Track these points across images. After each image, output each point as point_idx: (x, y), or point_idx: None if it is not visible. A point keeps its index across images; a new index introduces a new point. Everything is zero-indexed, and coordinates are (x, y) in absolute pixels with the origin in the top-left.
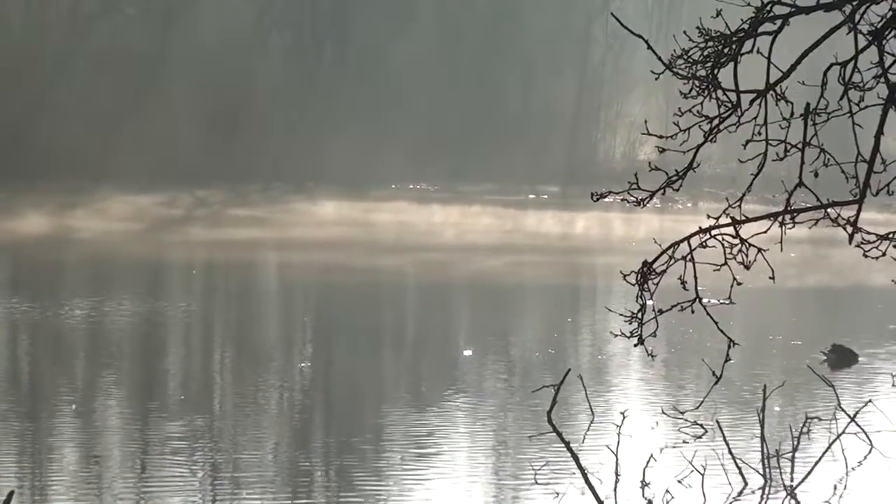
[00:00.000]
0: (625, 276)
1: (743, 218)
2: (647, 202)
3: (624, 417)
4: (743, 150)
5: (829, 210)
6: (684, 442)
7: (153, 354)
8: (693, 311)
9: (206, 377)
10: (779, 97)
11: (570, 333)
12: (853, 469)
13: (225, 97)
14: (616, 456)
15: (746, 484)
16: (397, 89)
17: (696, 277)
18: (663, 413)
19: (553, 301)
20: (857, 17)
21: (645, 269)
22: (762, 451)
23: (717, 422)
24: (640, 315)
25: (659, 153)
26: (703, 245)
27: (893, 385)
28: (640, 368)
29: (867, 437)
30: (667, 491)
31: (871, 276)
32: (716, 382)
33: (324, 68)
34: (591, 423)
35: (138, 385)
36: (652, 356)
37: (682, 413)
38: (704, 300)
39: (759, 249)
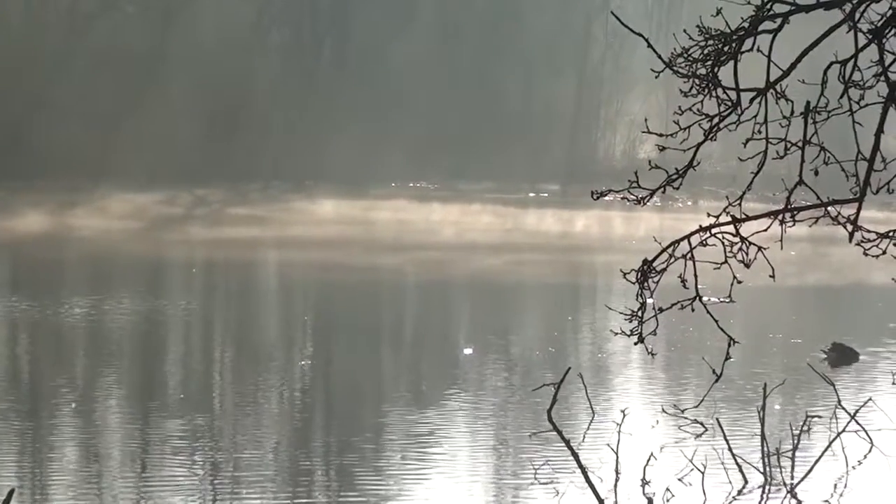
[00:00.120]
0: (625, 274)
1: (743, 216)
2: (648, 200)
3: (624, 416)
4: (743, 149)
5: (829, 208)
6: (685, 440)
7: (153, 353)
8: (693, 310)
9: (206, 376)
10: (779, 95)
11: (570, 332)
12: (853, 467)
13: (224, 96)
14: (616, 454)
15: (747, 482)
16: (397, 88)
17: (696, 276)
18: (663, 411)
19: (553, 299)
20: (857, 15)
21: (645, 267)
22: (762, 450)
23: (718, 420)
24: (640, 313)
25: (659, 151)
26: (703, 243)
27: (894, 383)
28: (640, 367)
29: (867, 435)
30: (667, 489)
31: (871, 275)
32: (716, 381)
33: (323, 67)
34: (592, 421)
35: (138, 384)
36: (652, 354)
37: (683, 411)
38: (704, 298)
39: (760, 248)
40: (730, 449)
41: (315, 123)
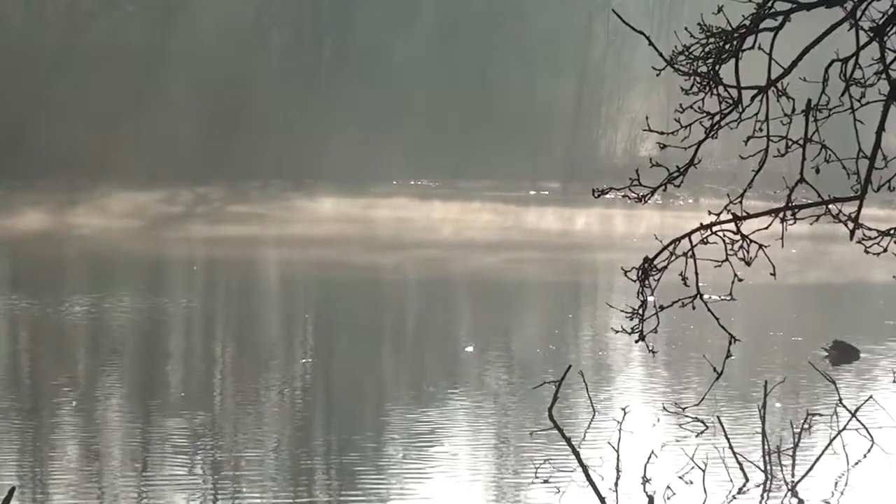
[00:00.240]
0: (626, 272)
1: (744, 214)
2: (649, 198)
3: (625, 414)
4: (744, 147)
5: (830, 206)
6: (685, 438)
7: (154, 351)
8: (694, 308)
9: (206, 374)
10: (780, 93)
11: (570, 330)
12: (854, 465)
13: (224, 94)
14: (617, 452)
15: (747, 480)
16: (398, 86)
17: (696, 274)
18: (664, 409)
19: (553, 297)
20: (859, 13)
21: (646, 265)
22: (763, 448)
23: (718, 418)
24: (641, 311)
25: (660, 149)
26: (704, 241)
27: (894, 381)
28: (641, 365)
29: (868, 433)
30: (668, 487)
31: (872, 273)
32: (717, 378)
33: (324, 66)
34: (592, 419)
35: (139, 382)
36: (653, 352)
37: (683, 409)
38: (705, 296)
39: (760, 246)
40: (731, 447)
41: (315, 122)
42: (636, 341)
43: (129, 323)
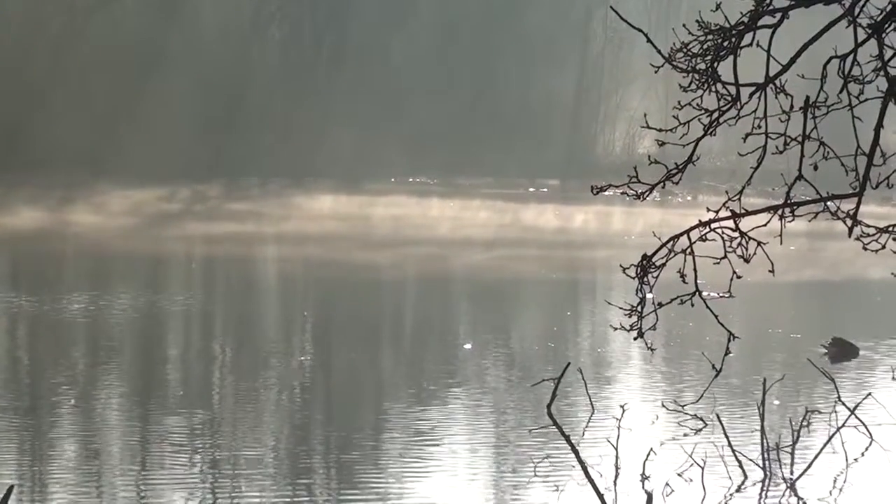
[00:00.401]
0: (624, 269)
1: (742, 211)
2: (647, 195)
3: (624, 411)
4: (742, 144)
5: (828, 203)
6: (684, 435)
7: (152, 349)
8: (693, 305)
9: (205, 372)
10: (778, 90)
11: (569, 327)
12: (853, 462)
13: (223, 91)
14: (616, 449)
15: (746, 477)
16: (396, 83)
17: (695, 271)
18: (663, 406)
19: (552, 295)
20: (857, 10)
21: (644, 262)
22: (762, 445)
23: (717, 415)
24: (639, 308)
25: (658, 146)
26: (702, 238)
27: (893, 378)
28: (639, 362)
29: (867, 430)
30: (667, 484)
31: (870, 270)
32: (716, 376)
33: (323, 62)
34: (591, 416)
35: (137, 380)
36: (652, 349)
37: (682, 406)
38: (704, 293)
39: (759, 243)
40: (729, 444)
41: (314, 119)
42: (635, 338)
43: (127, 320)
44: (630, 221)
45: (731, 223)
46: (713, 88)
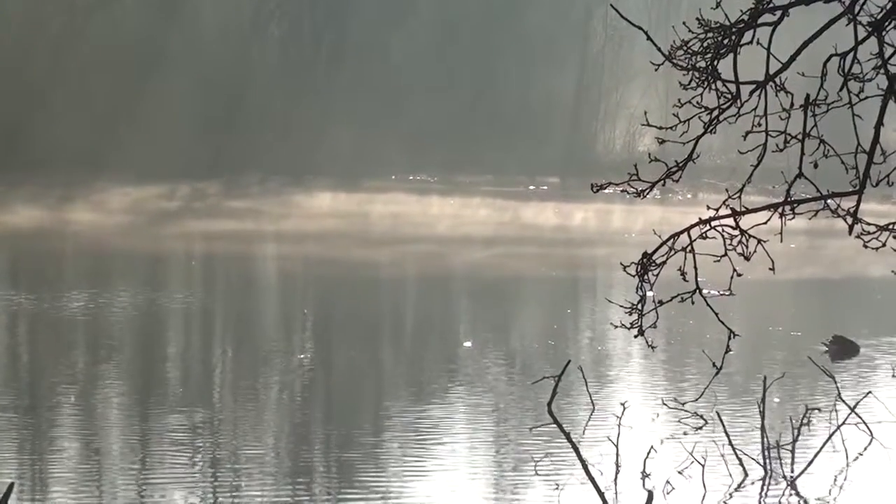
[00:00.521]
0: (625, 267)
1: (743, 209)
2: (647, 193)
3: (624, 409)
4: (743, 141)
5: (829, 201)
6: (685, 433)
7: (152, 347)
8: (693, 303)
9: (205, 369)
10: (778, 88)
11: (569, 325)
12: (853, 460)
13: (223, 89)
14: (616, 447)
15: (747, 475)
16: (396, 81)
17: (696, 268)
18: (664, 404)
19: (552, 293)
20: (857, 7)
21: (645, 260)
22: (762, 443)
23: (718, 413)
24: (640, 306)
25: (659, 144)
26: (703, 236)
27: (894, 376)
28: (640, 360)
29: (867, 427)
30: (667, 482)
31: (871, 267)
32: (716, 374)
33: (322, 60)
34: (592, 414)
35: (138, 377)
36: (652, 347)
37: (683, 404)
38: (704, 291)
39: (759, 240)
40: (730, 442)
41: (314, 117)
42: (635, 336)
43: (126, 318)
44: (630, 219)
45: (731, 221)
46: (713, 86)
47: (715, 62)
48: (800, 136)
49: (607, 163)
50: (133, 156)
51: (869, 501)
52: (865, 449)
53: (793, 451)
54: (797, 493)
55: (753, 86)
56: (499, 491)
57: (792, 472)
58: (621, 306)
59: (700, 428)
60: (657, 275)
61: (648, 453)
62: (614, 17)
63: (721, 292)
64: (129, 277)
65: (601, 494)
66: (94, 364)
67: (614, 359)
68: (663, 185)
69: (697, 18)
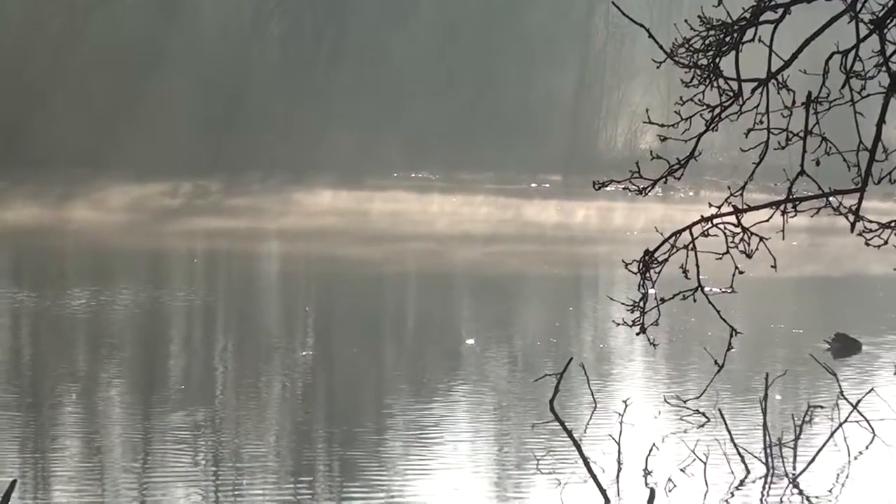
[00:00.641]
0: (626, 264)
1: (745, 206)
2: (649, 191)
3: (626, 406)
4: (745, 139)
5: (830, 199)
6: (687, 431)
7: (154, 344)
8: (695, 300)
9: (207, 367)
10: (780, 86)
11: (571, 322)
12: (855, 457)
13: (224, 87)
14: (618, 444)
15: (749, 472)
16: (398, 78)
17: (697, 266)
18: (665, 402)
19: (554, 290)
20: (859, 5)
21: (647, 257)
22: (764, 440)
23: (720, 410)
24: (641, 304)
25: (660, 142)
26: (704, 234)
27: (895, 373)
28: (642, 357)
29: (869, 425)
30: (669, 479)
31: (873, 265)
32: (718, 371)
33: (323, 57)
34: (594, 411)
35: (140, 375)
36: (654, 345)
37: (685, 402)
38: (706, 289)
39: (761, 238)
40: (732, 439)
41: (315, 114)
42: (637, 334)
43: (128, 316)
44: (632, 217)
45: (733, 219)
46: (715, 84)
47: (717, 60)
48: (801, 134)
49: (609, 160)
50: (134, 154)
51: (871, 498)
52: (867, 446)
53: (795, 449)
54: (799, 491)
55: (755, 83)
56: (501, 488)
57: (794, 469)
58: (623, 304)
59: (702, 425)
60: (659, 272)
61: (650, 451)
62: (616, 14)
63: (723, 290)
64: (131, 275)
65: (603, 492)
66: (96, 362)
67: (616, 356)
68: (665, 182)
69: (699, 16)
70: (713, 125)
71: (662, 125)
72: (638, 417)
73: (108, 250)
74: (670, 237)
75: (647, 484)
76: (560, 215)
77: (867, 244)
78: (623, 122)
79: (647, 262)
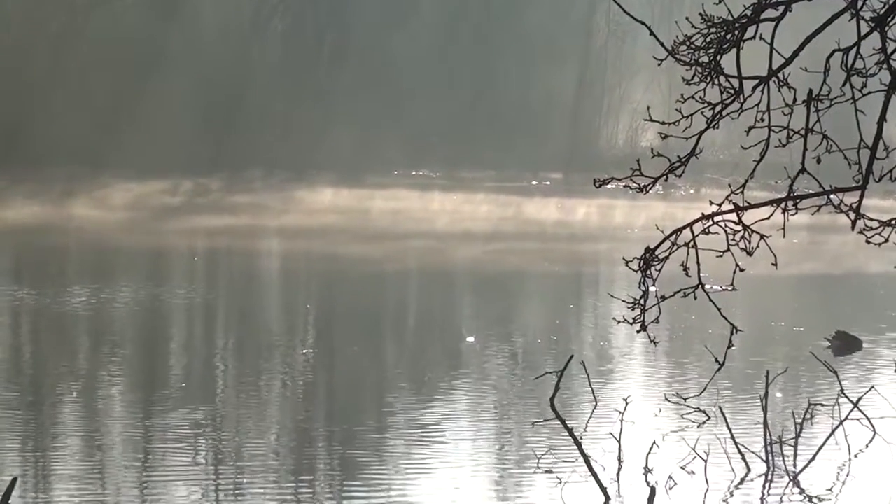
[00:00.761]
0: (627, 262)
1: (745, 204)
2: (650, 188)
3: (626, 404)
4: (745, 137)
5: (831, 196)
6: (687, 428)
7: (155, 342)
8: (696, 298)
9: (208, 365)
10: (781, 83)
11: (572, 320)
12: (856, 455)
13: (225, 85)
14: (619, 442)
15: (749, 470)
16: (399, 76)
17: (698, 264)
18: (666, 399)
19: (555, 288)
20: (860, 3)
21: (647, 255)
22: (765, 438)
23: (720, 408)
24: (642, 301)
25: (661, 139)
26: (705, 231)
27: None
28: (642, 355)
29: (870, 423)
30: (669, 477)
31: (873, 263)
32: (718, 369)
33: (325, 55)
34: (594, 409)
35: (140, 373)
36: (654, 342)
37: (685, 399)
38: (707, 286)
39: (762, 236)
40: (732, 437)
41: (317, 112)
42: (638, 331)
43: (129, 314)
44: (633, 214)
45: (734, 216)
46: (716, 81)
47: (718, 57)
48: (802, 132)
49: (610, 158)
50: (135, 151)
51: (871, 496)
52: (868, 444)
53: (795, 447)
54: (799, 489)
55: (756, 81)
56: (501, 486)
57: (794, 467)
58: (624, 301)
59: (702, 423)
60: (660, 270)
61: (651, 448)
62: (617, 12)
63: (723, 287)
64: (132, 273)
65: (604, 490)
66: (97, 360)
67: (617, 354)
68: (666, 180)
69: (700, 14)
70: (714, 123)
71: (663, 123)
72: (638, 415)
73: (108, 248)
74: (671, 235)
75: (647, 482)
76: (561, 213)
77: (868, 242)
78: (624, 119)
79: (648, 259)
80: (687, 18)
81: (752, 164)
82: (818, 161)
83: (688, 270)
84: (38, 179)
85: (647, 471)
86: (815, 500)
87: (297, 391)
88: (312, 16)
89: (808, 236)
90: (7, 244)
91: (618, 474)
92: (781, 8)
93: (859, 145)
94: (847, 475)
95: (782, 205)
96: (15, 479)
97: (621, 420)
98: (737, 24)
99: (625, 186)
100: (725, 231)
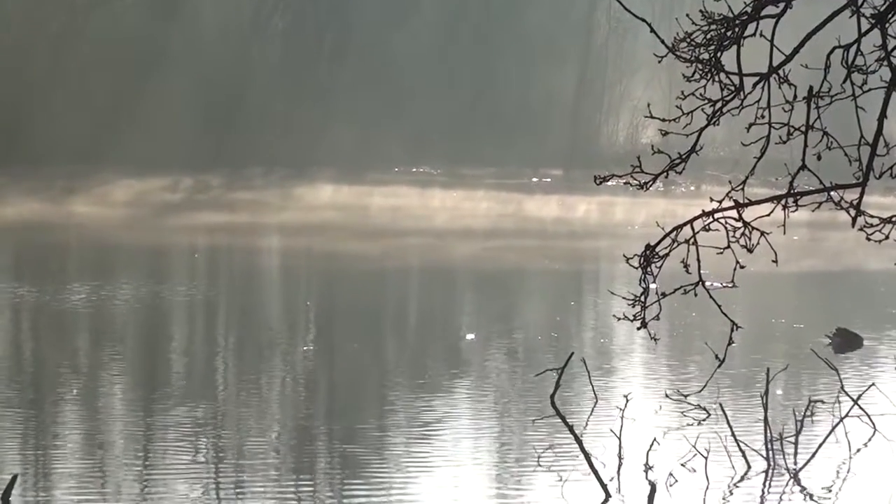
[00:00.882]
0: (628, 259)
1: (746, 201)
2: (650, 185)
3: (627, 401)
4: (746, 134)
5: (832, 193)
6: (687, 425)
7: (155, 339)
8: (696, 295)
9: (209, 362)
10: (782, 80)
11: (572, 317)
12: (856, 452)
13: (225, 82)
14: (619, 439)
15: (750, 467)
16: (399, 73)
17: (698, 261)
18: (666, 396)
19: (555, 285)
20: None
21: (648, 252)
22: (765, 435)
23: (721, 405)
24: (643, 298)
25: (662, 136)
26: (705, 228)
27: None
28: (643, 352)
29: (870, 420)
30: (670, 474)
31: (873, 260)
32: (719, 366)
33: (325, 53)
34: (595, 406)
35: (141, 370)
36: (655, 339)
37: (686, 396)
38: (707, 283)
39: (762, 233)
40: (733, 434)
41: (317, 109)
42: (638, 328)
43: (129, 311)
44: (633, 211)
45: (734, 213)
46: (716, 78)
47: (718, 54)
48: (803, 129)
49: (610, 155)
50: (136, 148)
51: (871, 493)
52: (868, 441)
53: (795, 444)
54: (800, 486)
55: (756, 78)
56: (502, 483)
57: (795, 464)
58: (624, 298)
59: (703, 420)
60: (660, 267)
61: (651, 445)
62: (618, 9)
63: (724, 284)
64: (132, 270)
65: (604, 486)
66: (97, 357)
67: (617, 351)
68: (666, 177)
69: (701, 10)
70: (714, 120)
71: (664, 120)
72: (639, 412)
73: (109, 245)
74: (671, 232)
75: (648, 479)
76: (561, 210)
77: (868, 239)
78: (624, 116)
79: (648, 256)
80: (687, 15)
81: (752, 161)
82: (818, 158)
83: (688, 267)
84: (38, 177)
85: (648, 468)
86: (815, 497)
87: (297, 388)
88: (313, 14)
89: (808, 233)
90: (7, 241)
91: (618, 471)
92: (782, 5)
93: (860, 142)
94: (847, 472)
95: (783, 201)
96: (15, 477)
97: (622, 417)
98: (737, 21)
99: (625, 183)
100: (726, 228)
